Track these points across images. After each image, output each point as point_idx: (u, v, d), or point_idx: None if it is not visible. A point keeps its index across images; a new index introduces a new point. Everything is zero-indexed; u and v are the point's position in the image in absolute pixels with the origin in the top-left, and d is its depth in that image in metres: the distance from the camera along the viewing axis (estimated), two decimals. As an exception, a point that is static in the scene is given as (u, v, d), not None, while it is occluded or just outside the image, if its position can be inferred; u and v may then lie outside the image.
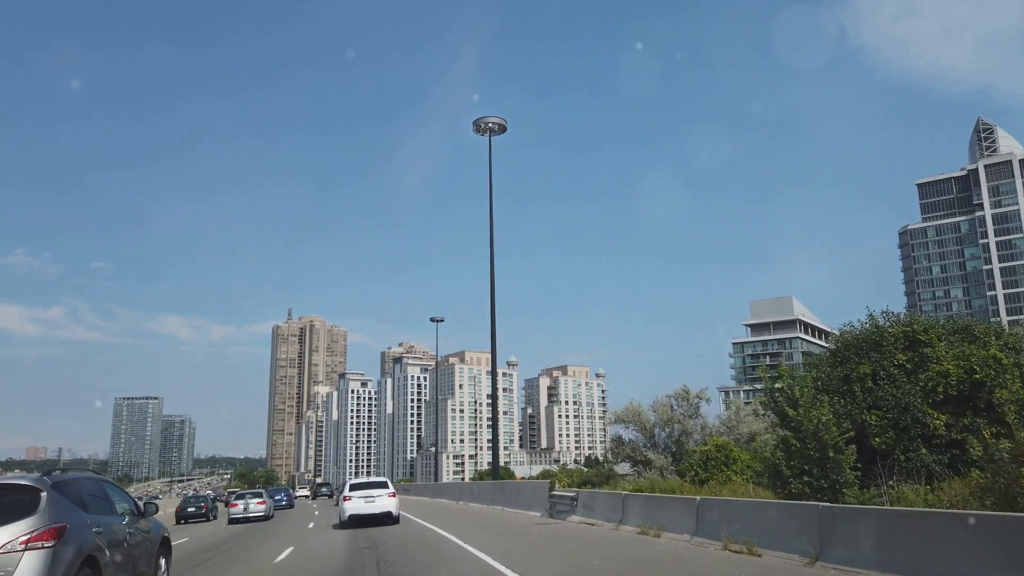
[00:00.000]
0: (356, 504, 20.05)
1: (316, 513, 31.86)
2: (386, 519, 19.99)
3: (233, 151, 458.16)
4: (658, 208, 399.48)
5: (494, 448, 31.87)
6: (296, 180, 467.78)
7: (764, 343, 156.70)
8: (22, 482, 7.17)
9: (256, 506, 29.46)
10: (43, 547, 6.45)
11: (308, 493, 72.27)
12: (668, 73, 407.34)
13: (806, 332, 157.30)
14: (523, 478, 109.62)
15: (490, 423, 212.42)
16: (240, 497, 31.27)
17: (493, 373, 30.93)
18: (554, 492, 18.34)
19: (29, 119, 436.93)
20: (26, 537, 6.43)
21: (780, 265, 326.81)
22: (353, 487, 21.29)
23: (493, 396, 31.12)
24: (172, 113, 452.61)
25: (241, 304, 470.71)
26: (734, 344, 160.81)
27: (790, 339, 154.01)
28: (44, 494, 6.91)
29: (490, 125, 28.50)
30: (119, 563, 7.65)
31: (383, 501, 20.08)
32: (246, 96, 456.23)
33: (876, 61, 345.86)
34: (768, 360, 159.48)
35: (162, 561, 9.39)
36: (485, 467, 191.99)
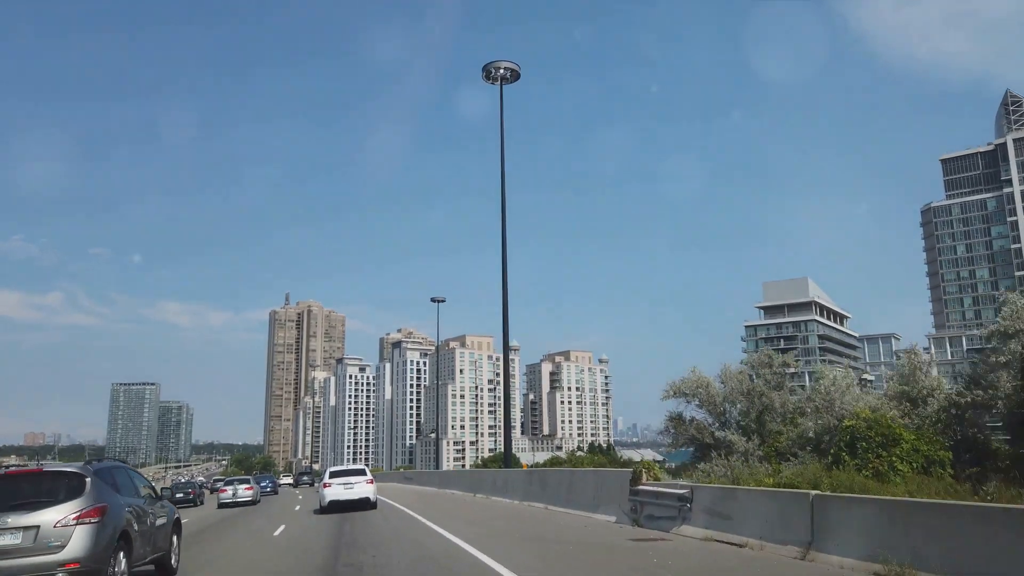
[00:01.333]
0: (336, 490, 20.80)
1: (296, 508, 25.58)
2: (364, 504, 20.77)
3: (229, 136, 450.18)
4: (666, 193, 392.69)
5: (506, 432, 26.69)
6: (293, 166, 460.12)
7: (779, 326, 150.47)
8: (70, 469, 8.33)
9: (244, 491, 31.37)
10: (90, 523, 7.61)
11: (291, 481, 71.32)
12: (684, 54, 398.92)
13: (822, 315, 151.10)
14: (529, 465, 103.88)
15: (491, 409, 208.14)
16: (229, 483, 33.44)
17: (504, 348, 24.98)
18: (642, 486, 11.97)
19: (28, 109, 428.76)
20: (76, 514, 7.58)
21: (794, 248, 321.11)
22: (333, 474, 21.87)
23: (504, 374, 25.90)
24: (165, 97, 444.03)
25: (239, 291, 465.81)
26: (747, 327, 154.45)
27: (806, 322, 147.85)
28: (88, 479, 8.03)
29: (501, 72, 25.26)
30: (144, 538, 8.85)
31: (361, 487, 20.87)
32: (237, 77, 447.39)
33: (877, 49, 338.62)
34: (783, 344, 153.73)
35: (174, 538, 10.36)
36: (487, 453, 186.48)
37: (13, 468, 8.66)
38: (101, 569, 7.63)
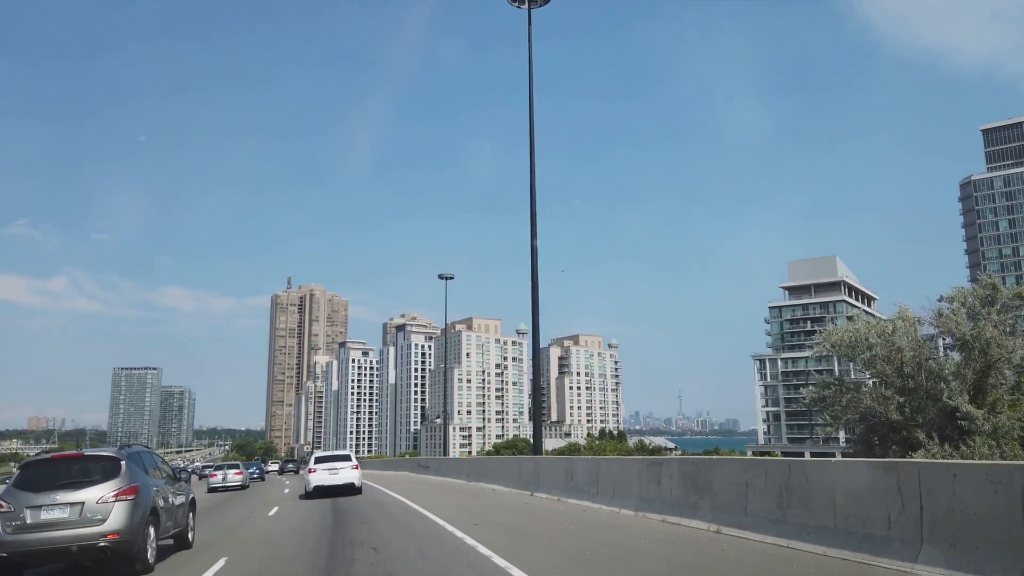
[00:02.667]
0: (321, 476, 20.84)
1: (272, 512, 17.57)
2: (349, 490, 20.70)
3: (231, 114, 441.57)
4: (684, 170, 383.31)
5: (535, 417, 22.21)
6: (295, 135, 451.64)
7: (804, 307, 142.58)
8: (108, 453, 9.28)
9: (234, 476, 32.23)
10: (127, 500, 8.54)
11: (277, 468, 71.41)
12: (700, 42, 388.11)
13: (850, 295, 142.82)
14: (548, 452, 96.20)
15: (499, 394, 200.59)
16: (219, 468, 34.42)
17: (534, 329, 20.72)
18: None
19: (30, 89, 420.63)
20: (115, 492, 8.51)
21: (819, 226, 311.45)
22: (318, 460, 22.09)
23: (535, 356, 21.25)
24: (162, 85, 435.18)
25: (242, 277, 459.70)
26: (770, 308, 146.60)
27: (834, 303, 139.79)
28: (123, 462, 8.94)
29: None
30: (168, 514, 9.79)
31: (346, 473, 20.94)
32: (236, 49, 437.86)
33: (886, 36, 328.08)
34: (809, 326, 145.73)
35: (190, 515, 11.33)
36: (495, 440, 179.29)
37: (57, 453, 9.80)
38: (136, 540, 8.53)
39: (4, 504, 8.28)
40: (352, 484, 20.68)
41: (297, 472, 58.22)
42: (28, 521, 8.14)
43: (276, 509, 17.95)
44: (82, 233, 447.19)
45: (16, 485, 8.59)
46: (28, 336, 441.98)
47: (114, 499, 8.38)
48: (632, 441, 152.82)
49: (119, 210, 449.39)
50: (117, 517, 8.29)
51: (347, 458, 21.91)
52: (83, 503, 8.27)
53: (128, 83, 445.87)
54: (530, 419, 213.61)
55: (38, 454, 9.39)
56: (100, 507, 8.29)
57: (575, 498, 14.02)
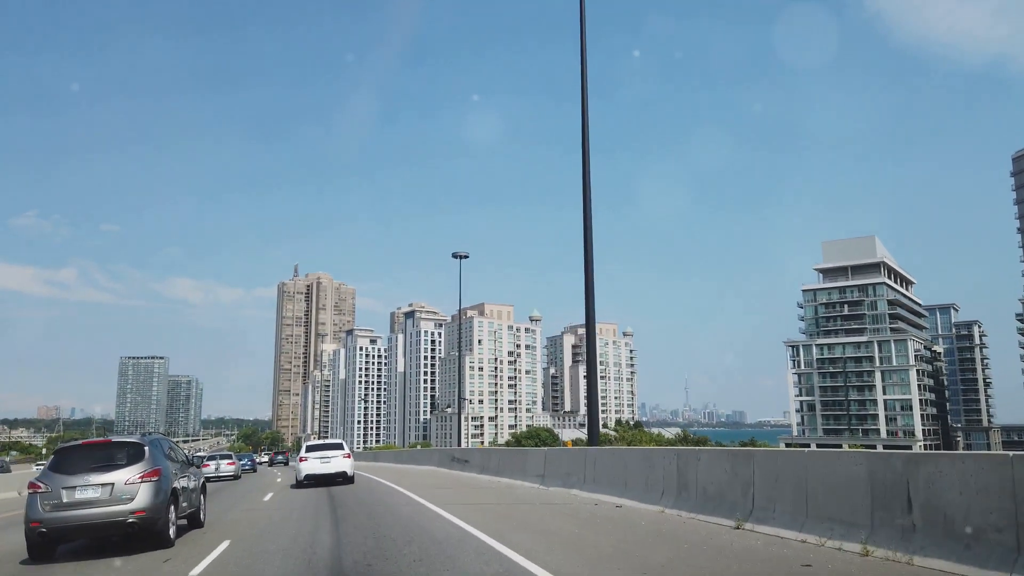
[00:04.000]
0: (312, 464, 21.12)
1: (224, 545, 9.46)
2: (340, 478, 21.08)
3: (235, 103, 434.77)
4: (702, 152, 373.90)
5: (591, 403, 19.06)
6: (298, 131, 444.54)
7: (841, 290, 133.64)
8: (132, 440, 10.23)
9: (226, 467, 33.47)
10: (151, 481, 9.46)
11: (267, 460, 70.70)
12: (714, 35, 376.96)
13: (890, 278, 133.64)
14: (573, 442, 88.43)
15: (511, 383, 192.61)
16: (212, 458, 35.19)
17: (588, 302, 17.98)
18: None
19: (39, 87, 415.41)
20: (140, 474, 9.44)
21: (857, 210, 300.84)
22: (310, 448, 22.31)
23: (588, 334, 18.52)
24: (160, 74, 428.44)
25: (250, 268, 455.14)
26: (804, 291, 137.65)
27: (873, 285, 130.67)
28: (147, 447, 9.90)
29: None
30: (185, 495, 10.77)
31: (338, 462, 21.20)
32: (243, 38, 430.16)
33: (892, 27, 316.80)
34: (846, 310, 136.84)
35: (201, 497, 12.22)
36: (507, 430, 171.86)
37: (85, 440, 10.33)
38: (160, 517, 9.44)
39: (42, 485, 9.14)
40: (344, 473, 21.05)
41: (287, 464, 58.69)
42: (64, 500, 9.02)
43: (226, 543, 9.85)
44: (91, 224, 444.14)
45: (52, 468, 9.41)
46: (38, 326, 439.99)
47: (140, 480, 9.31)
48: (671, 432, 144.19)
49: (127, 201, 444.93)
50: (143, 496, 9.22)
51: (339, 446, 22.06)
52: (113, 484, 9.18)
53: (130, 68, 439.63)
54: (543, 409, 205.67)
55: (66, 441, 10.27)
56: (128, 487, 9.20)
57: (902, 551, 5.77)
